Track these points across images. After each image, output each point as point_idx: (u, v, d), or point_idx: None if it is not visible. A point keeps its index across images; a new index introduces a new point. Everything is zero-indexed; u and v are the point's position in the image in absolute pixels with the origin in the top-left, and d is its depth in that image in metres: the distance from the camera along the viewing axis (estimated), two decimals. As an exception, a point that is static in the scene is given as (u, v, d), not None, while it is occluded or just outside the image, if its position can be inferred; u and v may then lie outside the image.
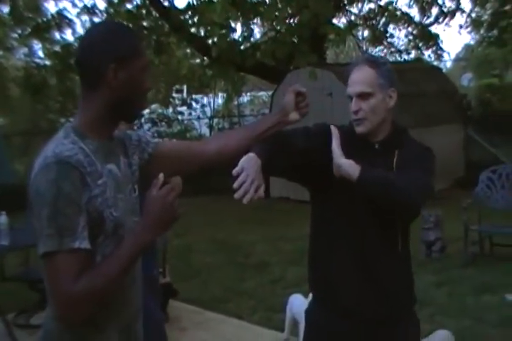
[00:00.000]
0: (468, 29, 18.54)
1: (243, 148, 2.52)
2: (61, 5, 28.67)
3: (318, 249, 2.94)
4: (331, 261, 2.87)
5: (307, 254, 3.01)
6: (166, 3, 14.72)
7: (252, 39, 15.29)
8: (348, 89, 2.89)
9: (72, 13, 15.48)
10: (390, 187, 2.59)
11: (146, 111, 17.98)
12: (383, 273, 2.83)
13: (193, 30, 14.75)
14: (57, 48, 15.62)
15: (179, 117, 18.99)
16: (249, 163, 2.42)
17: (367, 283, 2.81)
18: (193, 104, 19.35)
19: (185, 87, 19.51)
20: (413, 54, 18.10)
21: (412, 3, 17.61)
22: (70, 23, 15.37)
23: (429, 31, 16.92)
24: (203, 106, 19.74)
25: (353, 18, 17.69)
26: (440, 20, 17.23)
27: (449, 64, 28.22)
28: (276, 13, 13.22)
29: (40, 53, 17.23)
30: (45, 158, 2.06)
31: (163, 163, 2.40)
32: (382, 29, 17.51)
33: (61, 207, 1.99)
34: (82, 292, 1.99)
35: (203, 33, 14.31)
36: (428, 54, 17.48)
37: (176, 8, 14.62)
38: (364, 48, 20.56)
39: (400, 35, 18.75)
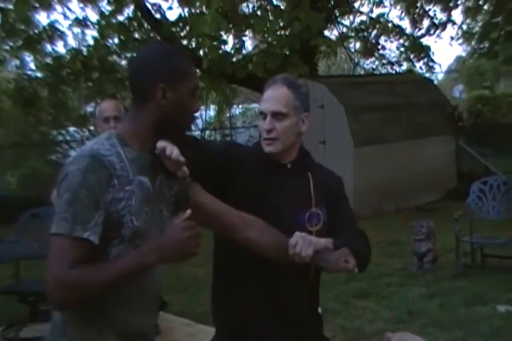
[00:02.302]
0: (460, 41, 18.66)
1: (270, 253, 2.57)
2: (53, 17, 28.63)
3: (222, 279, 2.88)
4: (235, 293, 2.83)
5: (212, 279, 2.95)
6: (157, 16, 14.76)
7: (243, 51, 15.34)
8: (261, 105, 2.80)
9: (63, 25, 15.47)
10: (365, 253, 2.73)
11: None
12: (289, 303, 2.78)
13: (184, 42, 14.79)
14: (48, 60, 15.61)
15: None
16: None
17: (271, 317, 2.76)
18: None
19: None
20: (405, 66, 18.19)
21: (403, 15, 17.71)
22: (62, 35, 15.36)
23: (421, 43, 17.02)
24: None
25: (344, 30, 17.76)
26: (431, 32, 17.34)
27: (440, 76, 28.36)
28: (268, 25, 13.27)
29: (32, 65, 17.20)
30: (82, 151, 2.20)
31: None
32: (373, 41, 17.57)
33: (81, 196, 2.07)
34: (71, 281, 2.05)
35: (194, 45, 14.34)
36: (419, 66, 17.58)
37: (167, 20, 14.66)
38: (356, 60, 20.63)
39: (391, 47, 18.86)
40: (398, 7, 17.79)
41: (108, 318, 2.22)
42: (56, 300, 2.08)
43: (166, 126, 2.24)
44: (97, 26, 14.71)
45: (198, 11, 13.92)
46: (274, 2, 14.88)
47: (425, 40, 17.47)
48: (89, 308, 2.17)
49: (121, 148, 2.21)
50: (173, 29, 14.55)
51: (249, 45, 16.77)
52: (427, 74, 17.96)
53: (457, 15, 32.55)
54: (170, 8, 15.37)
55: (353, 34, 17.81)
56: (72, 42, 16.04)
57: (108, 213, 2.12)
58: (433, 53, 16.95)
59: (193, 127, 19.08)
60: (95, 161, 2.11)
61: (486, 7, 17.33)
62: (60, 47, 15.71)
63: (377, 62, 19.54)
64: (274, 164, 2.78)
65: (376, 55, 18.41)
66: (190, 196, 2.45)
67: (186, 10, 14.62)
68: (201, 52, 13.94)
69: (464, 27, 18.03)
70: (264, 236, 2.56)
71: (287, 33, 13.56)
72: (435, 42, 30.34)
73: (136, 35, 14.82)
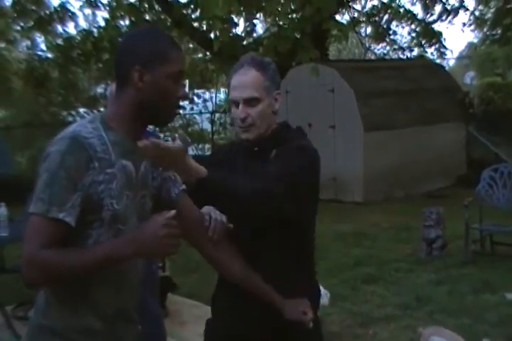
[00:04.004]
0: (472, 27, 18.51)
1: (233, 276, 2.61)
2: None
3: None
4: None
5: None
6: (168, -3, 14.70)
7: (254, 35, 15.29)
8: (232, 93, 2.73)
9: (74, 6, 15.51)
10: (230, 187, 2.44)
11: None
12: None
13: (195, 24, 14.74)
14: (59, 41, 15.61)
15: (181, 112, 18.98)
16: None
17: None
18: (195, 98, 19.34)
19: (187, 82, 19.52)
20: (416, 51, 18.07)
21: (415, 0, 17.58)
22: (73, 16, 15.37)
23: (432, 29, 16.85)
24: (204, 100, 19.74)
25: (356, 14, 17.65)
26: (443, 17, 17.18)
27: (451, 62, 28.25)
28: (279, 8, 13.21)
29: (43, 46, 17.24)
30: (64, 133, 2.18)
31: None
32: (385, 26, 17.46)
33: (59, 177, 2.08)
34: (41, 260, 2.06)
35: (205, 28, 14.30)
36: (431, 52, 17.45)
37: (178, 1, 14.60)
38: (367, 45, 20.52)
39: (402, 33, 18.73)
40: (410, -8, 17.67)
41: (90, 302, 2.23)
42: (26, 277, 2.08)
43: (145, 109, 2.23)
44: (107, 7, 14.69)
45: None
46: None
47: (437, 26, 17.30)
48: (71, 291, 2.19)
49: (104, 131, 2.20)
50: (184, 11, 14.50)
51: (259, 28, 16.74)
52: (438, 61, 17.85)
53: (470, 0, 32.35)
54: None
55: (364, 19, 17.70)
56: (83, 24, 16.10)
57: (87, 195, 2.11)
58: (444, 39, 16.77)
59: (202, 110, 19.25)
60: (75, 143, 2.11)
61: (499, -7, 17.19)
62: (71, 28, 15.77)
63: (388, 48, 19.47)
64: (244, 148, 2.76)
65: (387, 40, 18.31)
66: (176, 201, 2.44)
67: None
68: (212, 35, 13.91)
69: (477, 13, 17.88)
70: (228, 262, 2.60)
71: (298, 17, 13.49)
72: (447, 28, 30.18)
73: (147, 17, 14.76)
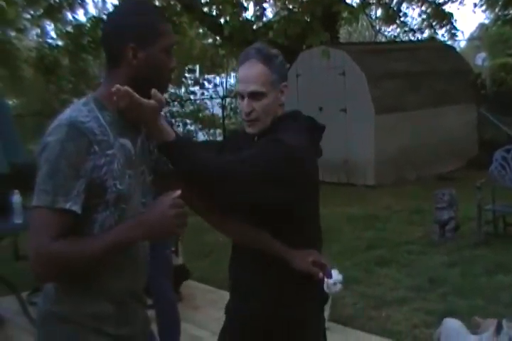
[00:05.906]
0: (483, 8, 18.40)
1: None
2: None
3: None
4: None
5: None
6: (177, -18, 14.67)
7: (264, 19, 15.25)
8: (239, 85, 2.70)
9: (84, -7, 15.49)
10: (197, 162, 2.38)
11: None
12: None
13: (205, 9, 14.71)
14: (69, 29, 15.62)
15: (191, 97, 19.00)
16: None
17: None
18: (206, 83, 19.33)
19: (197, 67, 19.51)
20: (427, 33, 17.98)
21: (425, -19, 17.45)
22: (82, 4, 15.41)
23: (443, 10, 16.75)
24: (215, 85, 19.73)
25: (366, -4, 17.56)
26: (454, -2, 17.09)
27: (463, 43, 28.05)
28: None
29: (53, 34, 17.26)
30: (60, 120, 2.13)
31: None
32: (395, 8, 17.36)
33: (61, 167, 2.05)
34: (53, 254, 2.04)
35: (215, 12, 14.27)
36: (442, 33, 17.36)
37: (187, -14, 14.56)
38: (377, 27, 20.42)
39: (413, 14, 18.61)
40: (421, -27, 17.55)
41: (101, 286, 2.22)
42: (39, 273, 2.06)
43: (141, 85, 2.20)
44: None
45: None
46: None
47: (448, 7, 17.25)
48: (82, 277, 2.17)
49: (100, 112, 2.18)
50: (194, -4, 14.48)
51: (269, 12, 16.69)
52: (449, 42, 17.75)
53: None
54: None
55: (374, 1, 17.60)
56: (93, 11, 16.08)
57: (90, 180, 2.09)
58: (455, 20, 16.66)
59: (213, 95, 19.25)
60: (73, 129, 2.08)
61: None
62: (80, 16, 15.81)
63: (398, 30, 19.35)
64: (245, 138, 2.74)
65: (398, 22, 18.21)
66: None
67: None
68: (222, 20, 13.89)
69: (488, -7, 17.79)
70: (226, 220, 2.66)
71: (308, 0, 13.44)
72: (458, 9, 29.96)
73: (157, 3, 14.75)
